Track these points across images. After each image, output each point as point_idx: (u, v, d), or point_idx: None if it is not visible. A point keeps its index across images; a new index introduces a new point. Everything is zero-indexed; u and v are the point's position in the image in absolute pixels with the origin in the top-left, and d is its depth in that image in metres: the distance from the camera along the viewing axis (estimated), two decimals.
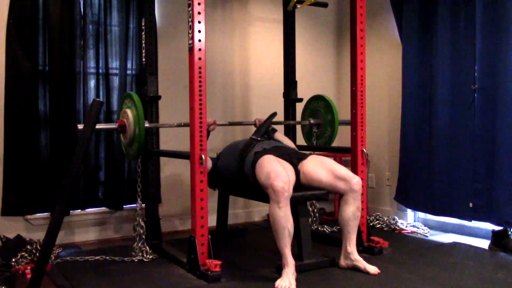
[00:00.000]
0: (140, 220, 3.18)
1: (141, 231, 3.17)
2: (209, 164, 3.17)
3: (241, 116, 4.39)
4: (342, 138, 4.74)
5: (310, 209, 3.84)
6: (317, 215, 3.90)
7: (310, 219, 3.80)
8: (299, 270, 2.59)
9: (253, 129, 3.43)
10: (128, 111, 3.07)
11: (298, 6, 3.91)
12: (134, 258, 3.05)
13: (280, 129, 3.78)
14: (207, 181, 2.76)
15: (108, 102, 3.74)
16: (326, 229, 3.82)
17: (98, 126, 3.23)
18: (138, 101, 3.02)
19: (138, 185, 3.22)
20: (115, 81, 3.78)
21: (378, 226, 4.00)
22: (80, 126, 2.73)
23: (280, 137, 3.42)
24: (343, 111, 4.04)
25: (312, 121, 3.82)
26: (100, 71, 3.72)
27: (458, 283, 2.52)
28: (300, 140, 4.05)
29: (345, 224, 2.77)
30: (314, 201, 3.85)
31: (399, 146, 4.09)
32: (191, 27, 2.67)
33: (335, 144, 4.79)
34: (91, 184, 3.70)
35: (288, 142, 3.37)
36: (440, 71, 3.72)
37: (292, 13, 4.00)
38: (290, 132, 4.01)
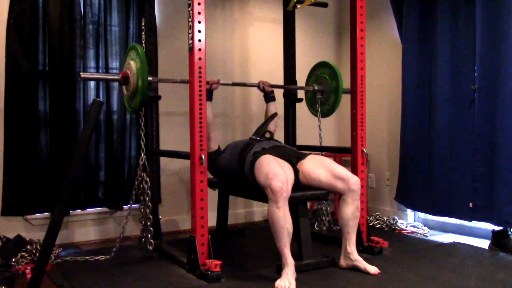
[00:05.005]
0: (148, 211, 3.12)
1: (148, 223, 3.12)
2: (214, 146, 3.17)
3: (241, 115, 4.39)
4: (342, 138, 4.75)
5: (321, 210, 3.77)
6: (327, 218, 3.76)
7: (318, 224, 3.76)
8: (299, 270, 2.59)
9: (253, 128, 3.42)
10: (132, 63, 3.02)
11: (298, 6, 3.91)
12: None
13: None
14: (208, 168, 2.74)
15: (108, 102, 3.73)
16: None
17: (99, 76, 3.38)
18: (143, 54, 2.97)
19: (135, 186, 3.15)
20: None
21: (378, 226, 4.00)
22: (84, 75, 3.03)
23: (272, 108, 3.48)
24: (343, 111, 4.04)
25: (316, 87, 3.76)
26: (100, 71, 3.72)
27: (458, 283, 2.52)
28: (301, 140, 4.05)
29: (344, 224, 2.77)
30: (322, 207, 3.77)
31: (399, 146, 4.09)
32: (191, 27, 2.67)
33: (335, 143, 4.83)
34: (91, 184, 3.70)
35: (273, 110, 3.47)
36: (440, 71, 3.72)
37: (292, 13, 4.00)
38: (290, 132, 4.01)
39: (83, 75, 3.05)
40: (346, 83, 3.48)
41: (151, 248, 3.08)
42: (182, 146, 3.26)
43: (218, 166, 3.18)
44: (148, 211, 3.13)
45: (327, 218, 3.75)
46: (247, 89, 4.40)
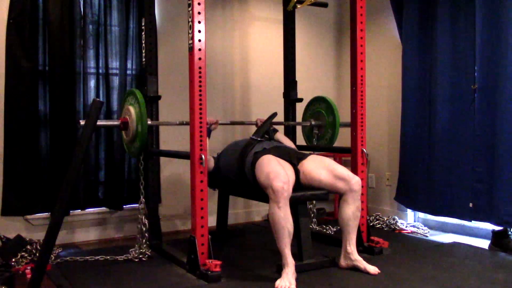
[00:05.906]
0: (143, 217, 3.16)
1: (143, 229, 3.14)
2: (211, 163, 3.17)
3: (241, 116, 4.38)
4: (342, 138, 4.75)
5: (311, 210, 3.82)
6: (314, 214, 3.87)
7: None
8: (299, 270, 2.59)
9: (254, 128, 3.43)
10: (131, 108, 3.06)
11: (298, 6, 3.91)
12: (134, 259, 3.05)
13: (280, 129, 3.79)
14: (208, 181, 2.76)
15: (108, 102, 3.73)
16: (325, 228, 3.82)
17: (100, 123, 3.26)
18: (141, 99, 3.02)
19: (141, 183, 3.19)
20: (115, 81, 3.79)
21: (378, 226, 4.00)
22: (82, 122, 2.76)
23: (281, 137, 3.42)
24: (343, 111, 4.04)
25: (313, 122, 3.83)
26: (100, 71, 3.72)
27: (458, 283, 2.52)
28: (300, 141, 4.05)
29: (345, 224, 2.77)
30: (313, 202, 3.84)
31: (399, 146, 4.09)
32: (191, 27, 2.67)
33: (335, 144, 4.82)
34: (91, 184, 3.70)
35: (288, 142, 3.37)
36: (440, 71, 3.72)
37: (292, 13, 4.01)
38: (290, 132, 4.01)
39: (82, 122, 2.80)
40: (345, 115, 3.49)
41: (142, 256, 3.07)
42: (182, 146, 3.27)
43: (218, 166, 3.18)
44: (143, 217, 3.16)
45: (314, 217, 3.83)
46: (249, 93, 4.40)
